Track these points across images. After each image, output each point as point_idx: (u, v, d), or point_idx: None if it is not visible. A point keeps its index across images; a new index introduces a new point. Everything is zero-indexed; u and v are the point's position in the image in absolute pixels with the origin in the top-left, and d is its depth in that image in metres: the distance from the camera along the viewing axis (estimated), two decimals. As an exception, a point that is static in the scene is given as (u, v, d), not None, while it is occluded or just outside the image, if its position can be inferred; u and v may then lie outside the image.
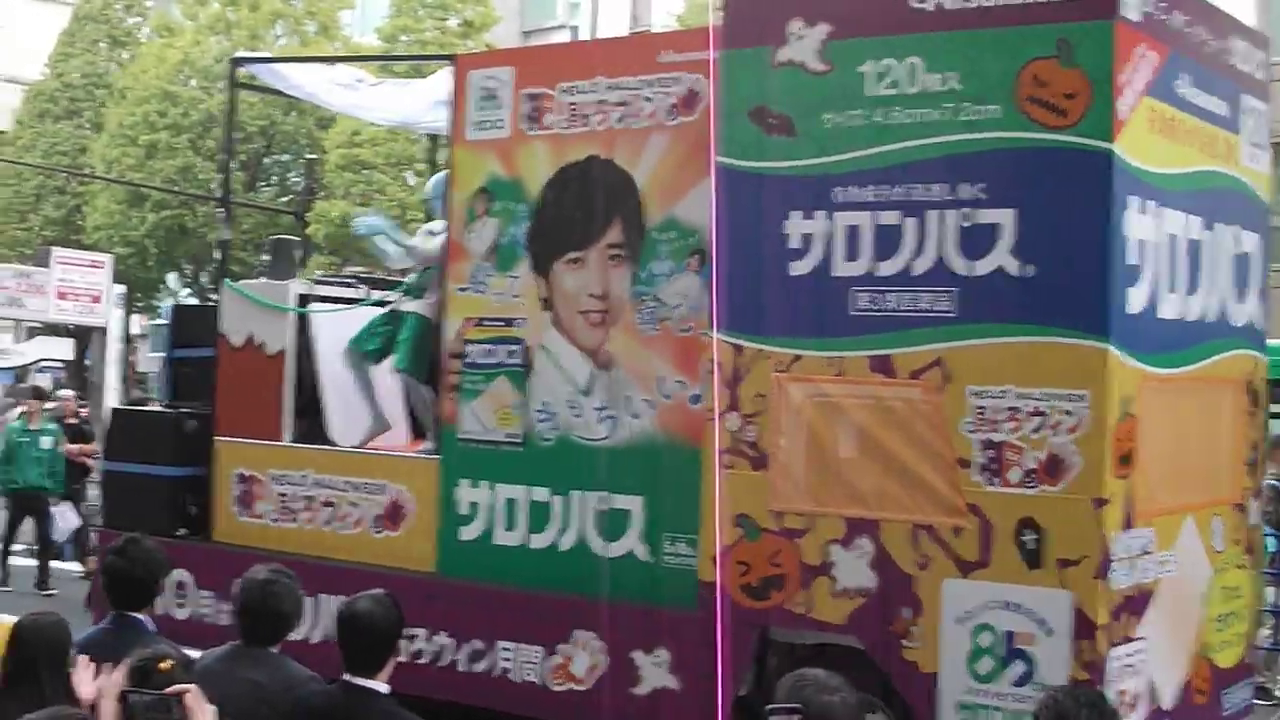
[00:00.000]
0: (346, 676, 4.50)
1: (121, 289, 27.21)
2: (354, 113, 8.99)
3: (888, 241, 6.20)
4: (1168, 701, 6.37)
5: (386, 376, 8.36)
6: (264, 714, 4.50)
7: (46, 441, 13.60)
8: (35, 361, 31.86)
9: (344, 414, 8.18)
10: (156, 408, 9.15)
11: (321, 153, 30.47)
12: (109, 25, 35.88)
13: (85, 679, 3.80)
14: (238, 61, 8.63)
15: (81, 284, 25.53)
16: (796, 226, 6.41)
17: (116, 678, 3.51)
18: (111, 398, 25.48)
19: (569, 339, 7.16)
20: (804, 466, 6.35)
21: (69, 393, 15.00)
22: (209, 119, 30.62)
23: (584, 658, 6.94)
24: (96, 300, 25.75)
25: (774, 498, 6.41)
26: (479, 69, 7.54)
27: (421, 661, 7.43)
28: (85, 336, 28.99)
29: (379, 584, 7.50)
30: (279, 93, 9.22)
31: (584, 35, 33.34)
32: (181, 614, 8.36)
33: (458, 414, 7.49)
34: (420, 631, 7.43)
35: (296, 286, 8.41)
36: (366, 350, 8.20)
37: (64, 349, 30.35)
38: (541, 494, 7.23)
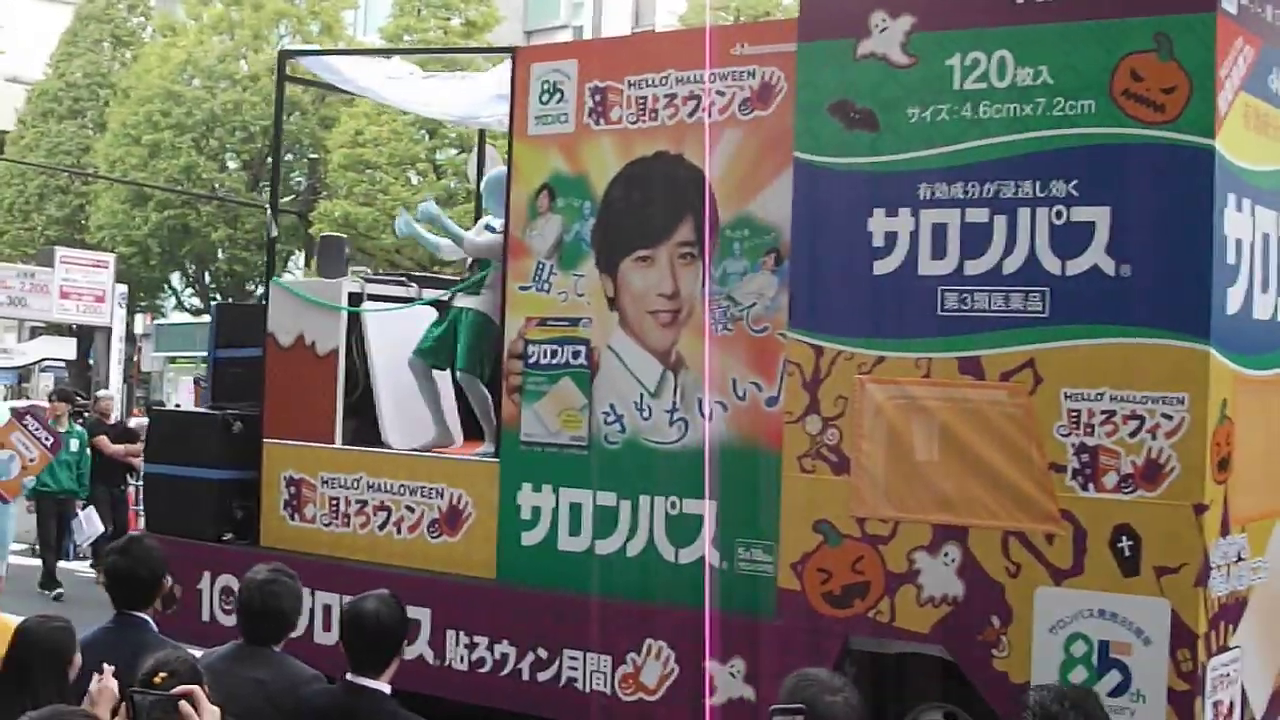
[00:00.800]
0: (350, 676, 4.57)
1: (124, 288, 27.59)
2: (409, 107, 8.85)
3: (976, 240, 6.10)
4: (1259, 712, 6.28)
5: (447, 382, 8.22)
6: (268, 713, 4.57)
7: (74, 444, 13.61)
8: (38, 361, 32.13)
9: (399, 416, 8.05)
10: (200, 409, 8.96)
11: (325, 153, 30.89)
12: (112, 25, 36.37)
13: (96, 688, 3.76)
14: (286, 54, 8.48)
15: (85, 283, 25.89)
16: (880, 224, 6.31)
17: (109, 685, 3.61)
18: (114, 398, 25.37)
19: (637, 339, 7.06)
20: (888, 471, 6.26)
21: (109, 393, 14.88)
22: (212, 119, 31.13)
23: (655, 667, 6.85)
24: (100, 300, 26.14)
25: (856, 503, 6.31)
26: (541, 62, 7.42)
27: (483, 670, 7.33)
28: (88, 336, 29.27)
29: (438, 590, 7.50)
30: (329, 86, 9.06)
31: (587, 35, 33.60)
32: (229, 621, 8.20)
33: (519, 416, 7.37)
34: (481, 639, 7.30)
35: (348, 285, 8.26)
36: (429, 358, 8.05)
37: (67, 348, 30.61)
38: (608, 498, 7.13)
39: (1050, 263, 5.99)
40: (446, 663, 7.47)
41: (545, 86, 7.38)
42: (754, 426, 6.74)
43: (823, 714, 3.51)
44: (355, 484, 7.98)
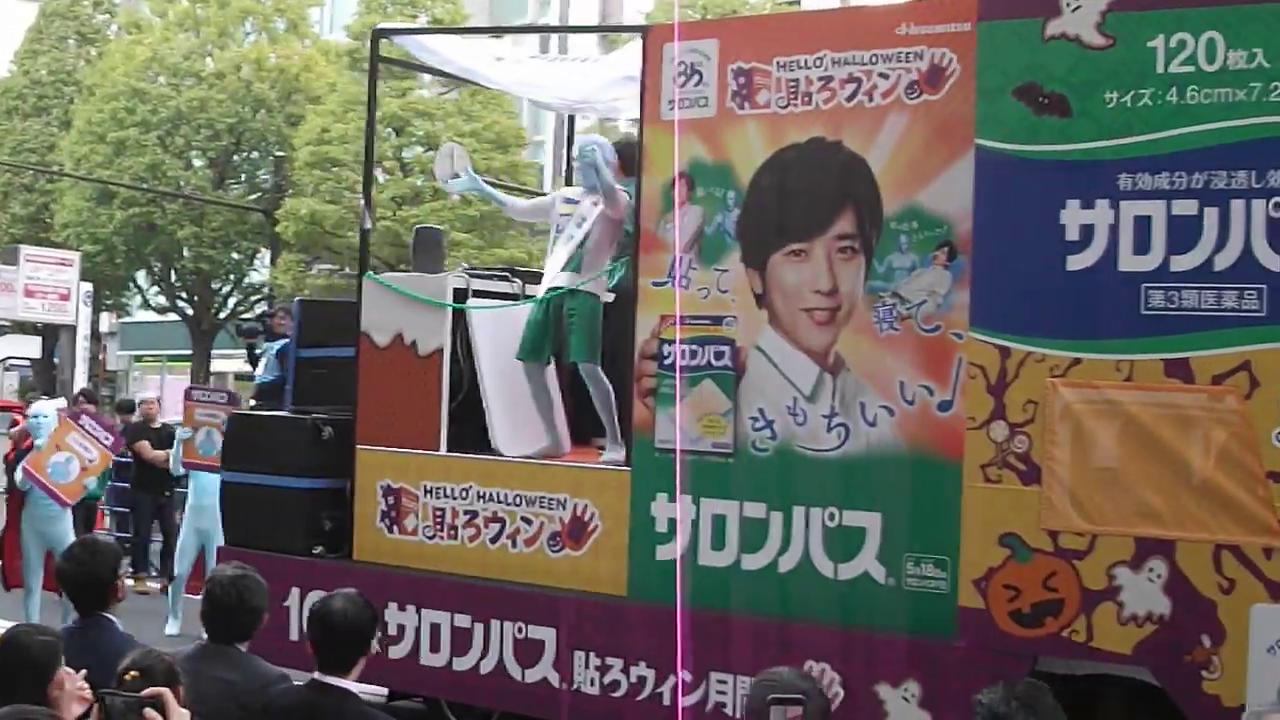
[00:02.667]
0: (317, 675, 4.75)
1: (90, 286, 28.25)
2: (518, 91, 8.45)
3: (1184, 234, 5.87)
4: None
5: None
6: (235, 713, 4.68)
7: None
8: (3, 360, 32.06)
9: (508, 421, 7.68)
10: (283, 413, 8.54)
11: (291, 150, 31.22)
12: (77, 22, 36.93)
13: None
14: (380, 32, 8.08)
15: (50, 282, 26.73)
16: (1074, 216, 6.04)
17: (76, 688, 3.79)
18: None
19: (790, 339, 6.76)
20: (1084, 481, 6.00)
21: (152, 395, 14.36)
22: (177, 116, 31.70)
23: (817, 691, 6.47)
24: (65, 298, 27.02)
25: (1048, 515, 6.04)
26: (677, 43, 7.06)
27: (617, 695, 7.00)
28: (53, 334, 29.56)
29: (563, 608, 7.14)
30: (424, 68, 8.65)
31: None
32: None
33: (653, 421, 7.02)
34: (615, 661, 6.95)
35: (453, 280, 7.86)
36: (535, 355, 7.68)
37: (32, 347, 30.76)
38: (756, 510, 6.83)
39: (1268, 258, 5.77)
40: (575, 686, 7.13)
41: (682, 68, 7.08)
42: (924, 433, 6.47)
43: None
44: (464, 494, 7.62)
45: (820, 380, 6.72)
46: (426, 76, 32.18)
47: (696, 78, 7.05)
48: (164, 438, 13.79)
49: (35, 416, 11.81)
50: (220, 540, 12.03)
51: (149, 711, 3.54)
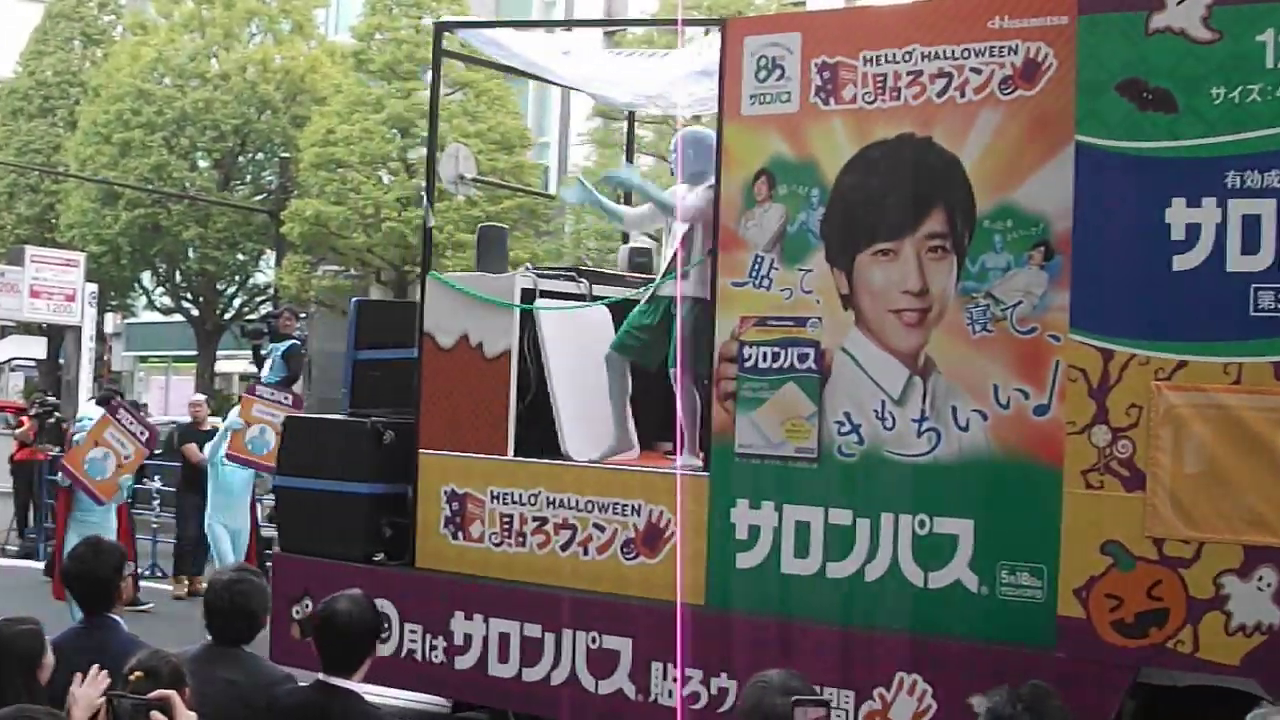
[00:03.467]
0: (322, 676, 4.80)
1: (95, 287, 28.03)
2: (587, 86, 8.28)
3: (1297, 233, 5.70)
4: None
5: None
6: (240, 713, 4.74)
7: None
8: (8, 360, 32.61)
9: (577, 424, 7.54)
10: (341, 416, 8.40)
11: (296, 151, 31.64)
12: (83, 23, 37.47)
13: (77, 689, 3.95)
14: (443, 26, 7.94)
15: (55, 282, 26.38)
16: (1180, 215, 5.95)
17: (89, 690, 3.81)
18: (85, 397, 25.39)
19: (877, 341, 6.65)
20: (1191, 487, 5.92)
21: (201, 397, 14.24)
22: (183, 117, 32.21)
23: (908, 703, 6.45)
24: (70, 299, 26.60)
25: (1153, 522, 5.95)
26: (757, 35, 6.96)
27: (698, 707, 6.88)
28: (58, 335, 29.96)
29: (635, 616, 7.02)
30: (487, 62, 8.52)
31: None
32: (383, 650, 7.65)
33: (734, 425, 6.90)
34: (694, 672, 6.82)
35: (521, 280, 7.72)
36: (634, 355, 7.52)
37: (37, 348, 31.17)
38: (842, 516, 6.72)
39: (1386, 258, 5.61)
40: (652, 698, 7.02)
41: (763, 62, 6.98)
42: (1020, 438, 6.38)
43: (768, 713, 3.83)
44: (533, 499, 7.49)
45: (910, 383, 6.61)
46: (428, 77, 32.35)
47: (778, 72, 6.95)
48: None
49: (83, 419, 11.76)
50: (247, 538, 12.03)
51: (155, 714, 3.61)
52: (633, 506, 7.26)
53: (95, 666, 3.94)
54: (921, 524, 6.58)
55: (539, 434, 7.71)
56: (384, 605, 7.79)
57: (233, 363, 36.64)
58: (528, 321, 7.75)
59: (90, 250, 30.32)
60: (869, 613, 6.67)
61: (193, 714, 3.71)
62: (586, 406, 7.73)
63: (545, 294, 7.93)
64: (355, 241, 30.41)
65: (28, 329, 32.17)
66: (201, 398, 14.60)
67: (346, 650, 4.78)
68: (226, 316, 34.53)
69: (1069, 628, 6.10)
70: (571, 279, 8.28)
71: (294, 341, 15.19)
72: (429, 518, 7.86)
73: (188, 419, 14.63)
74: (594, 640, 7.21)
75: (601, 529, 7.35)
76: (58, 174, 33.96)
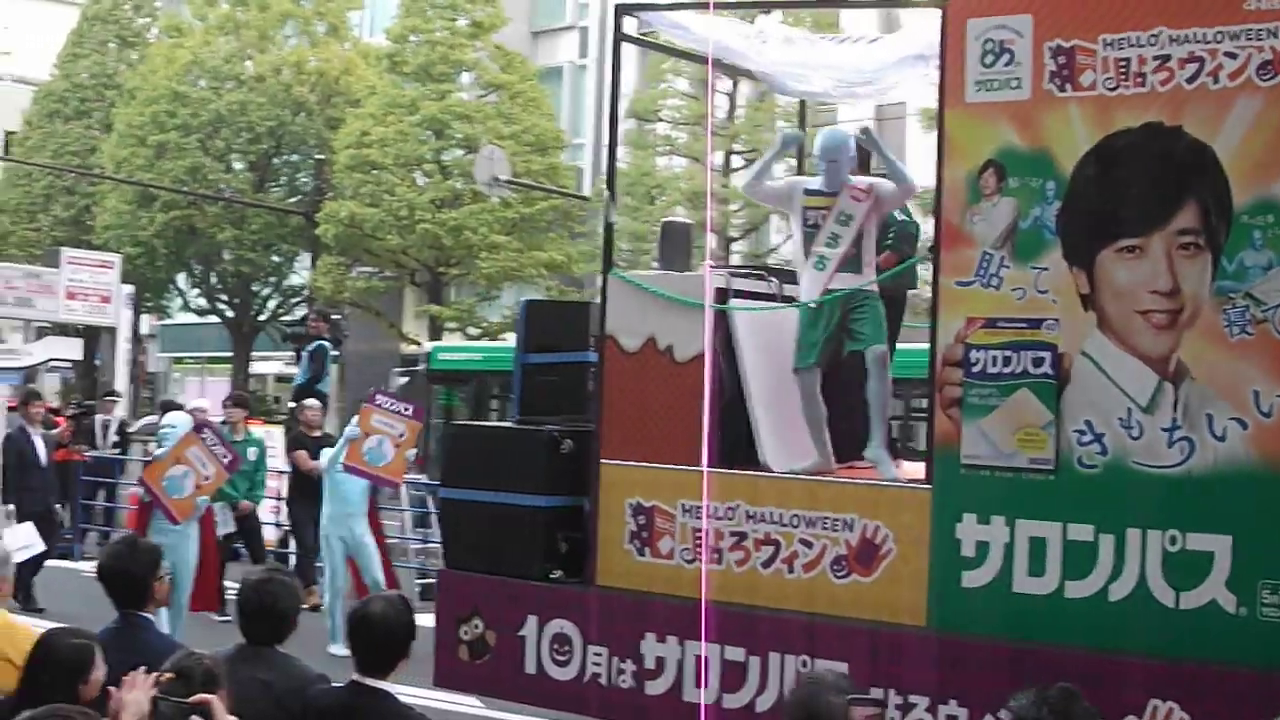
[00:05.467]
0: (356, 677, 4.93)
1: (130, 289, 28.47)
2: (780, 73, 7.88)
3: None
4: None
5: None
6: (273, 713, 4.86)
7: (252, 453, 13.46)
8: (44, 361, 33.62)
9: (776, 433, 7.21)
10: (508, 424, 8.04)
11: (330, 153, 32.38)
12: (118, 26, 38.58)
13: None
14: (624, 9, 7.56)
15: (91, 284, 26.69)
16: None
17: (138, 695, 3.85)
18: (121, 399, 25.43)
19: (1123, 345, 6.37)
20: None
21: (315, 403, 13.96)
22: (218, 119, 33.19)
23: (1166, 733, 6.02)
24: (106, 300, 26.87)
25: None
26: (982, 17, 6.64)
27: (927, 735, 6.48)
28: (94, 337, 30.60)
29: (857, 640, 6.67)
30: (669, 49, 8.15)
31: (593, 37, 34.82)
32: (564, 673, 7.46)
33: (959, 434, 6.58)
34: (920, 699, 6.49)
35: (714, 279, 7.36)
36: (811, 364, 7.19)
37: (73, 349, 32.02)
38: (1083, 531, 6.45)
39: None
40: (872, 725, 6.60)
41: (989, 46, 6.69)
42: (1286, 448, 5.97)
43: (820, 713, 3.95)
44: (730, 513, 7.14)
45: (1159, 390, 6.31)
46: (466, 78, 32.28)
47: (1006, 56, 6.66)
48: (327, 447, 13.40)
49: (167, 427, 11.47)
50: (372, 550, 11.70)
51: (211, 706, 3.79)
52: (844, 521, 6.93)
53: (143, 670, 4.00)
54: (1172, 540, 6.29)
55: (730, 443, 7.35)
56: (563, 626, 7.48)
57: (268, 364, 36.77)
58: (719, 323, 7.40)
59: (126, 252, 30.85)
60: (1114, 635, 6.37)
61: (233, 718, 3.86)
62: (784, 414, 7.42)
63: (738, 294, 7.57)
64: (389, 243, 30.84)
65: (64, 330, 32.77)
66: (316, 404, 14.29)
67: (380, 652, 4.90)
68: (261, 318, 34.75)
69: (1351, 652, 5.78)
70: (761, 277, 7.96)
71: (321, 342, 15.91)
72: (611, 532, 7.56)
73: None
74: (804, 664, 6.87)
75: (809, 545, 7.02)
76: (94, 176, 34.68)
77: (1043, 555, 6.52)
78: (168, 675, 3.91)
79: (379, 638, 4.86)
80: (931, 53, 6.93)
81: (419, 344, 29.54)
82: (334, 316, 19.33)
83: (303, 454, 13.51)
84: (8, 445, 13.32)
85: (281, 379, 35.26)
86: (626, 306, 7.62)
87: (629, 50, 8.28)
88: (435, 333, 30.84)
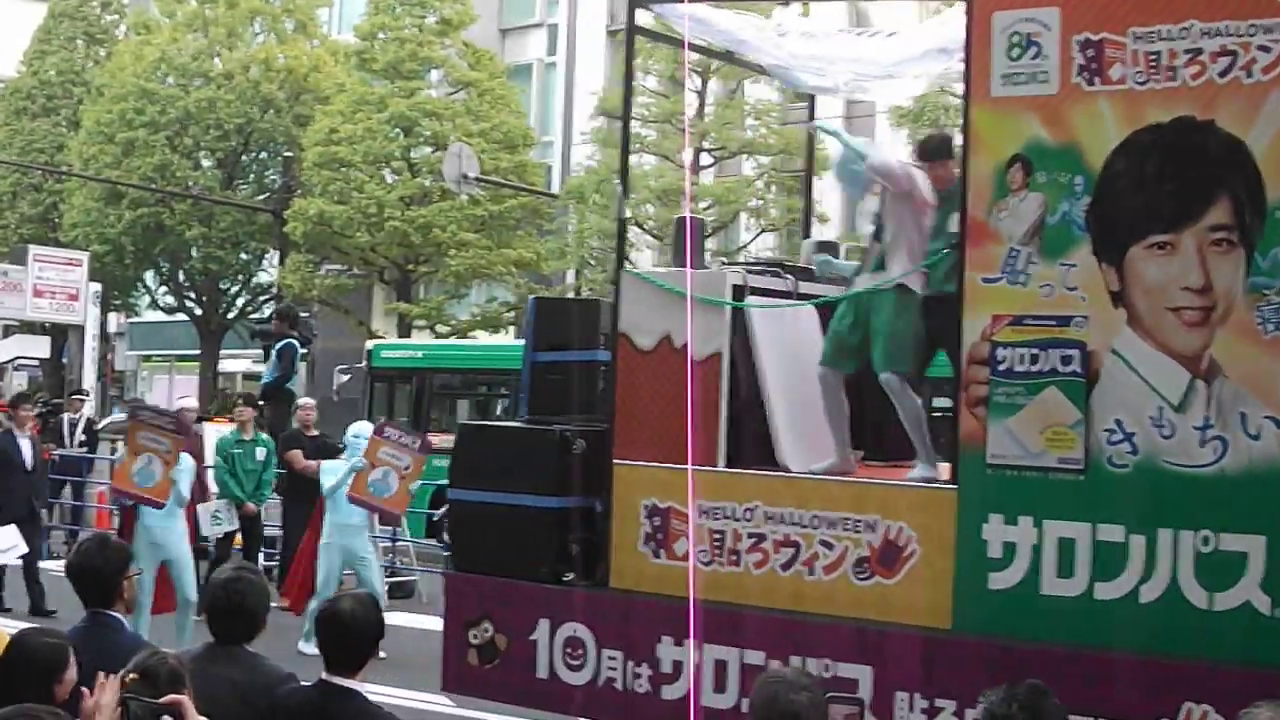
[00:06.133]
0: (325, 676, 4.95)
1: (98, 287, 28.59)
2: (799, 67, 7.74)
3: None
4: None
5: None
6: (241, 713, 4.86)
7: (260, 453, 13.44)
8: (12, 360, 33.16)
9: (794, 432, 7.07)
10: (516, 423, 7.90)
11: (299, 150, 32.53)
12: (85, 22, 38.62)
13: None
14: (638, 1, 7.38)
15: (58, 282, 26.80)
16: None
17: (109, 699, 3.83)
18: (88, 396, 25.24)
19: (1154, 342, 6.30)
20: None
21: (310, 401, 13.78)
22: (186, 116, 33.24)
23: (1199, 737, 5.94)
24: (73, 298, 27.05)
25: None
26: (1008, 10, 6.54)
27: (952, 738, 6.37)
28: (62, 335, 30.70)
29: (879, 644, 6.56)
30: (677, 41, 8.01)
31: (562, 34, 34.96)
32: (577, 678, 7.35)
33: (985, 433, 6.50)
34: (946, 703, 6.38)
35: (732, 276, 7.23)
36: (835, 363, 7.06)
37: (40, 347, 31.95)
38: (1113, 532, 6.37)
39: None
40: (897, 729, 6.52)
41: (1015, 39, 6.62)
42: (1321, 448, 5.90)
43: (784, 711, 3.90)
44: (748, 514, 7.04)
45: (1191, 388, 6.25)
46: (435, 75, 32.13)
47: (1034, 50, 6.58)
48: (320, 447, 13.59)
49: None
50: (374, 563, 11.59)
51: (180, 707, 3.79)
52: (866, 523, 6.83)
53: (115, 676, 3.98)
54: (1205, 540, 6.23)
55: (746, 443, 7.22)
56: (576, 629, 7.34)
57: (236, 362, 36.65)
58: (736, 321, 7.26)
59: (93, 249, 30.90)
60: (1146, 637, 6.27)
61: (203, 719, 3.86)
62: (802, 413, 7.32)
63: (755, 291, 7.44)
64: (358, 241, 30.84)
65: (31, 328, 32.79)
66: (311, 402, 14.17)
67: (349, 650, 4.92)
68: (230, 316, 34.72)
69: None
70: (776, 274, 7.83)
71: (289, 340, 16.12)
72: (625, 534, 7.46)
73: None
74: (827, 669, 6.76)
75: (829, 546, 6.92)
76: (61, 173, 34.76)
77: (1072, 556, 6.46)
78: (131, 676, 3.91)
79: (348, 636, 4.88)
80: (954, 46, 6.84)
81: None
82: (300, 315, 19.32)
83: (297, 453, 13.36)
84: None
85: (250, 377, 35.12)
86: (640, 304, 7.52)
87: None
88: (404, 330, 30.76)
